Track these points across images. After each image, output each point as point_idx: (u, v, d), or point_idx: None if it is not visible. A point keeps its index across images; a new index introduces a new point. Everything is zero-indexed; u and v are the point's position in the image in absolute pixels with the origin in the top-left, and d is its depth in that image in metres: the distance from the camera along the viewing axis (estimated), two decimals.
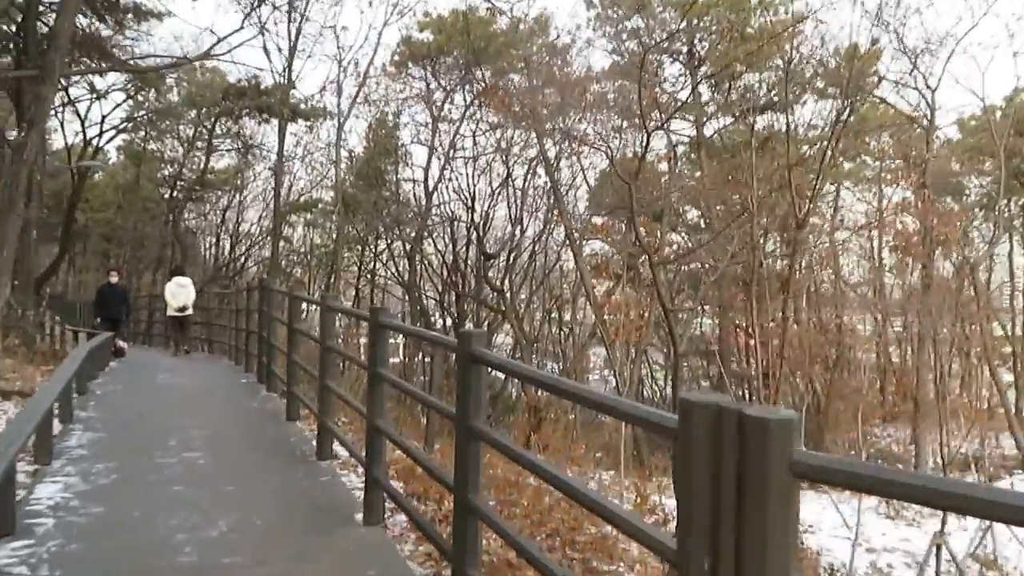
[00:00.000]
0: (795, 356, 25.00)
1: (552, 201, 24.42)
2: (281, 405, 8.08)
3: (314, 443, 6.41)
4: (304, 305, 9.81)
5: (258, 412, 8.11)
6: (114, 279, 14.19)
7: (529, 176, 23.60)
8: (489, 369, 3.29)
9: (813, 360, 25.73)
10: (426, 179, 23.41)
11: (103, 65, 20.10)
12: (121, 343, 13.03)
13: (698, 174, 27.79)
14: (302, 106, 25.14)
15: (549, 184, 24.33)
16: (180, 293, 13.83)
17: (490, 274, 22.65)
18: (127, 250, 37.79)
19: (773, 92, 22.30)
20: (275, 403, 8.45)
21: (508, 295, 20.93)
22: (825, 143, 25.04)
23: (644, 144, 15.08)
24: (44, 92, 12.42)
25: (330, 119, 26.15)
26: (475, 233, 26.92)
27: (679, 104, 17.83)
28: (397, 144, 29.43)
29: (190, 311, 14.13)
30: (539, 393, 16.51)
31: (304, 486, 5.44)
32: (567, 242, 27.36)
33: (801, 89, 22.05)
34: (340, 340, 21.95)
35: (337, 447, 6.19)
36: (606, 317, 18.48)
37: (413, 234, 23.99)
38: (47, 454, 5.79)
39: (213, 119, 26.20)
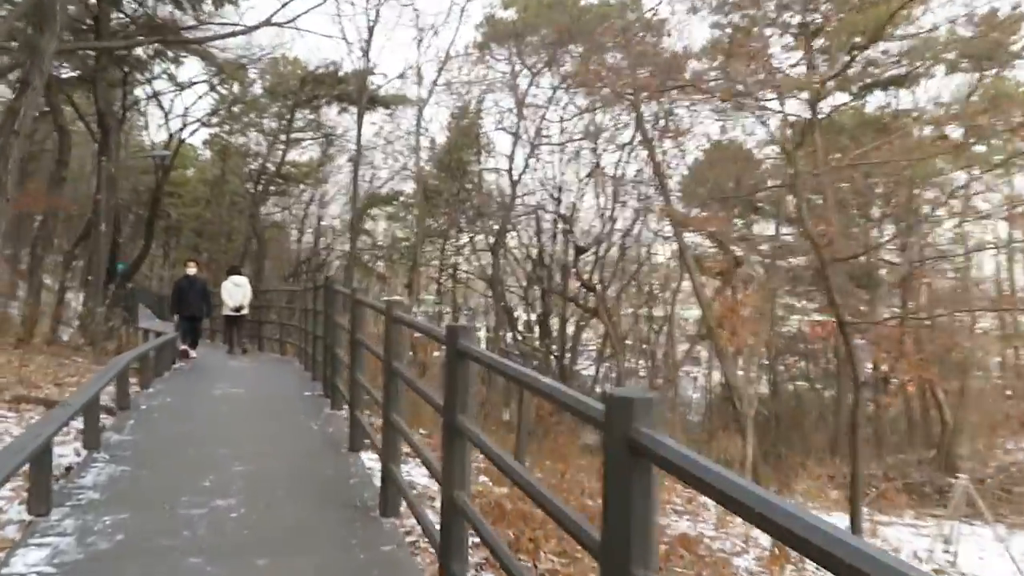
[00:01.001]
0: (913, 358, 22.54)
1: (645, 190, 22.69)
2: (345, 428, 6.77)
3: (379, 487, 5.03)
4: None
5: (318, 438, 6.81)
6: (192, 271, 12.90)
7: (622, 163, 21.90)
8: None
9: (930, 363, 23.22)
10: (510, 168, 22.01)
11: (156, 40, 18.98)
12: (184, 346, 11.90)
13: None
14: (381, 92, 24.09)
15: (645, 171, 22.62)
16: (236, 292, 13.31)
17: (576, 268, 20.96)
18: (216, 244, 38.12)
19: (899, 64, 19.86)
20: (338, 425, 7.15)
21: (601, 292, 19.24)
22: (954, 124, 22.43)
23: (816, 103, 13.16)
24: (43, 44, 10.43)
25: (410, 106, 25.09)
26: (561, 225, 25.43)
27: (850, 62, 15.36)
28: (479, 132, 28.20)
29: (246, 311, 13.65)
30: None
31: (359, 562, 4.03)
32: (659, 234, 25.57)
33: (932, 61, 19.53)
34: (419, 334, 20.84)
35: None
36: (702, 314, 16.60)
37: (496, 227, 22.59)
38: (44, 501, 4.58)
39: (291, 108, 25.40)
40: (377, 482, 5.22)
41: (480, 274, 29.29)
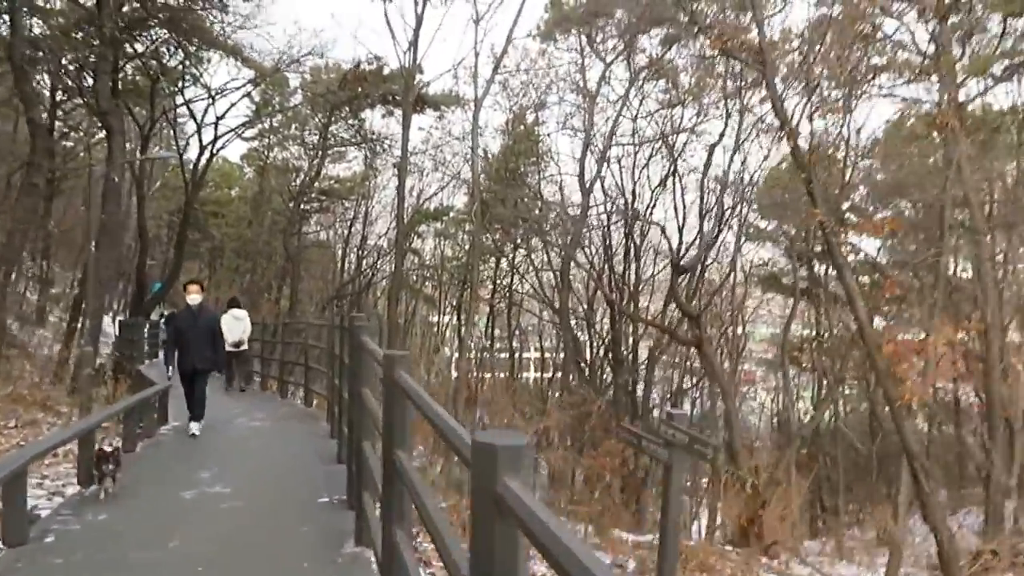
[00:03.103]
0: None
1: (734, 198, 19.39)
2: None
3: None
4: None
5: None
6: (196, 299, 8.61)
7: (714, 165, 18.61)
8: None
9: None
10: (581, 173, 18.83)
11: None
12: (113, 445, 5.88)
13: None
14: (430, 92, 21.24)
15: (732, 174, 19.35)
16: (236, 327, 12.21)
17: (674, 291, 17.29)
18: (258, 265, 36.08)
19: None
20: None
21: (703, 320, 15.75)
22: None
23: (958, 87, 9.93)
24: None
25: (462, 107, 22.20)
26: (632, 241, 22.24)
27: None
28: (537, 138, 25.21)
29: (246, 346, 12.76)
30: (759, 463, 11.58)
31: None
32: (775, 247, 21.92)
33: None
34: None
35: None
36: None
37: (564, 240, 19.39)
38: None
39: (330, 111, 22.61)
40: None
41: (537, 294, 26.01)
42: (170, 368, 8.83)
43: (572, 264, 19.58)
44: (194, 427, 8.31)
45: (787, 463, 12.32)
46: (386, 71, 21.14)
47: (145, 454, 7.26)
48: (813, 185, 9.79)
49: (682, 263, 15.89)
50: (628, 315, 19.39)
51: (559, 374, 33.94)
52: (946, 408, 22.35)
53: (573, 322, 27.00)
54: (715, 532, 13.79)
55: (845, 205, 30.60)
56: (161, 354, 20.11)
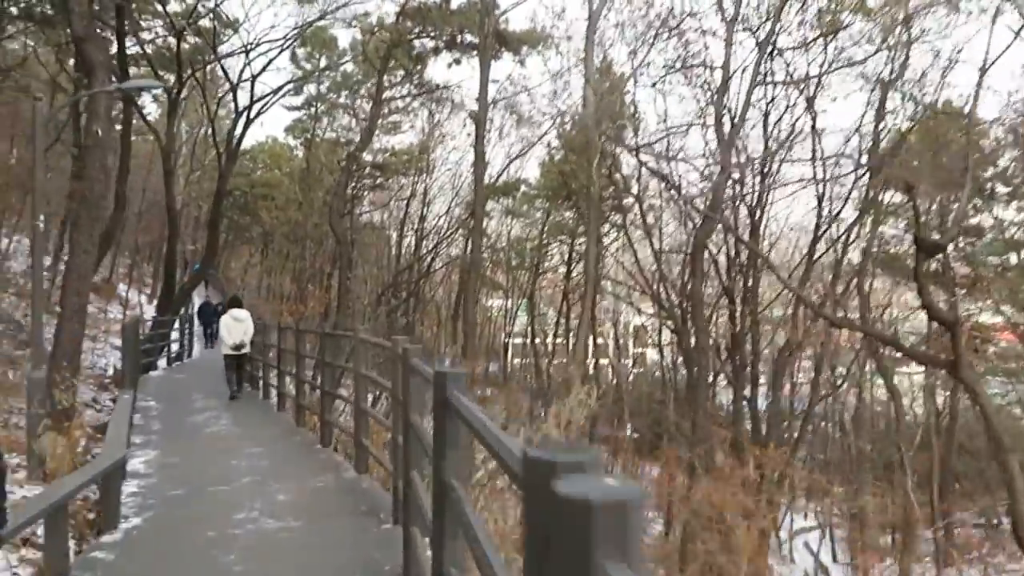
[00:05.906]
0: None
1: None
2: None
3: None
4: None
5: None
6: None
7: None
8: None
9: None
10: (718, 119, 14.39)
11: None
12: None
13: None
14: (509, 28, 17.07)
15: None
16: (236, 328, 11.47)
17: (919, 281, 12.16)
18: (308, 250, 33.06)
19: None
20: None
21: (959, 330, 10.52)
22: None
23: None
24: None
25: (550, 48, 17.94)
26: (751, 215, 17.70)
27: None
28: (626, 94, 20.84)
29: (247, 348, 11.73)
30: None
31: None
32: None
33: None
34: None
35: None
36: None
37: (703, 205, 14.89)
38: None
39: (386, 52, 18.42)
40: None
41: (645, 287, 21.36)
42: None
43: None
44: None
45: None
46: (454, 4, 17.06)
47: None
48: None
49: (932, 239, 10.85)
50: (829, 319, 13.74)
51: (628, 361, 29.96)
52: None
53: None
54: None
55: (989, 172, 25.49)
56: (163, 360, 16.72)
